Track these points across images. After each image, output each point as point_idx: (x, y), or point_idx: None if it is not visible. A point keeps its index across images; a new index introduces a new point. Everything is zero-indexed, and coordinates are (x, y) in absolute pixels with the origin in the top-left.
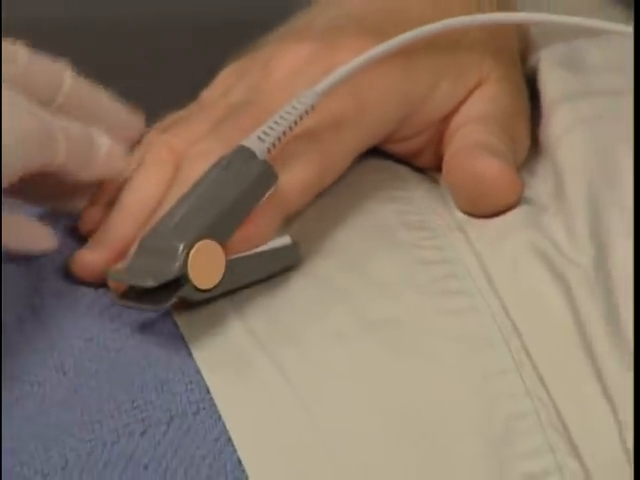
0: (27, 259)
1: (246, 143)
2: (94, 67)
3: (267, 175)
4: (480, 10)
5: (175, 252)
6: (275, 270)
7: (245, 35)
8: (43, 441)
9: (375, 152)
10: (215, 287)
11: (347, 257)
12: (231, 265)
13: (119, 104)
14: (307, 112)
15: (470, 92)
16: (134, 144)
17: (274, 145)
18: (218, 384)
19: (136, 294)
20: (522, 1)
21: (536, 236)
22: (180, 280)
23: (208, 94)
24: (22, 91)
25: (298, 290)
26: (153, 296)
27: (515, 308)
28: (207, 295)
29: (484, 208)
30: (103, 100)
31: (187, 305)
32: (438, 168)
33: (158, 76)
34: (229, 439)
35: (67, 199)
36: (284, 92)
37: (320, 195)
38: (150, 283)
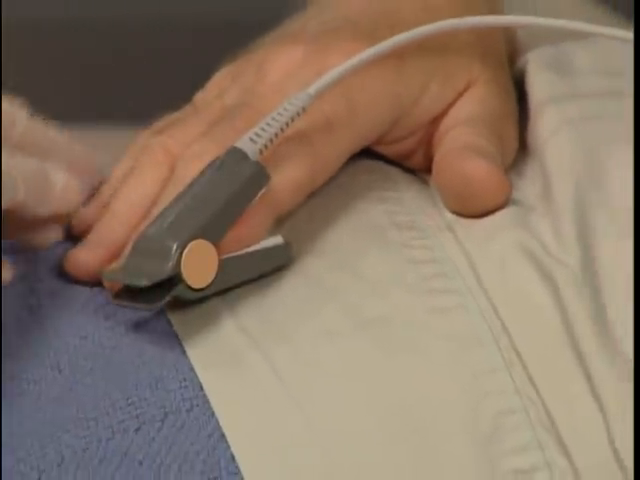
0: (25, 260)
1: (238, 144)
2: (94, 67)
3: (259, 176)
4: (469, 13)
5: (169, 252)
6: (267, 269)
7: (245, 35)
8: (39, 438)
9: (366, 153)
10: (208, 286)
11: (338, 256)
12: (224, 264)
13: (73, 141)
14: (299, 114)
15: (459, 94)
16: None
17: (266, 146)
18: (211, 381)
19: (131, 293)
20: (509, 4)
21: (524, 236)
22: (174, 279)
23: (202, 96)
24: None
25: (290, 289)
26: (147, 295)
27: (504, 307)
28: (200, 294)
29: (473, 209)
30: (57, 138)
31: (181, 304)
32: (428, 169)
33: (158, 76)
34: (222, 435)
35: (31, 233)
36: (278, 94)
37: (312, 195)
38: (144, 282)
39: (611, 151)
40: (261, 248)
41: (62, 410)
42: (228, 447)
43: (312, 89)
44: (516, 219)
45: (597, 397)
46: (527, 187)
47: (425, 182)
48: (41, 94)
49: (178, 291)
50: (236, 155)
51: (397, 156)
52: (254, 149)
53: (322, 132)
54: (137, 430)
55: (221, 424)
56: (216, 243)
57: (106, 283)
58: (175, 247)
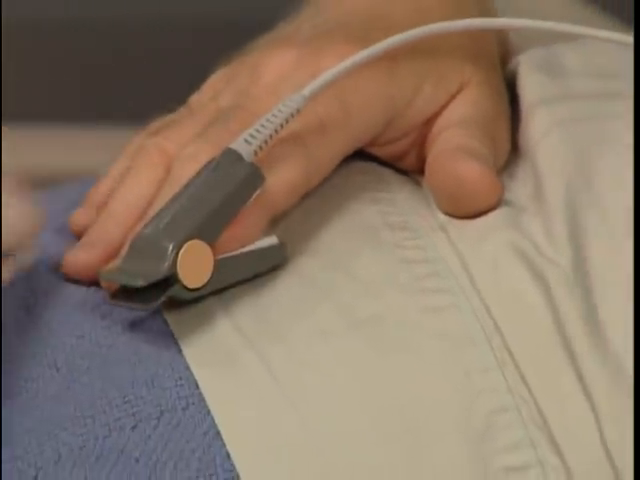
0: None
1: (234, 146)
2: (94, 67)
3: (254, 177)
4: (460, 15)
5: (165, 252)
6: (262, 269)
7: (245, 35)
8: (36, 435)
9: (360, 155)
10: (204, 286)
11: (332, 256)
12: (219, 265)
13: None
14: (293, 115)
15: (452, 96)
16: None
17: (261, 148)
18: (207, 380)
19: (127, 293)
20: (500, 4)
21: (516, 236)
22: (170, 279)
23: (197, 98)
24: None
25: (284, 289)
26: (144, 295)
27: (496, 307)
28: (196, 294)
29: (465, 210)
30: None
31: (177, 303)
32: (421, 171)
33: (158, 76)
34: (218, 433)
35: None
36: (272, 96)
37: (306, 196)
38: (140, 283)
39: (601, 152)
40: (256, 248)
41: (59, 408)
42: (223, 445)
43: (306, 91)
44: (508, 220)
45: (589, 396)
46: (518, 188)
47: (418, 183)
48: (41, 94)
49: (174, 291)
50: (231, 156)
51: (390, 157)
52: (249, 150)
53: (316, 134)
54: (133, 428)
55: (216, 422)
56: (212, 243)
57: (103, 283)
58: (171, 247)
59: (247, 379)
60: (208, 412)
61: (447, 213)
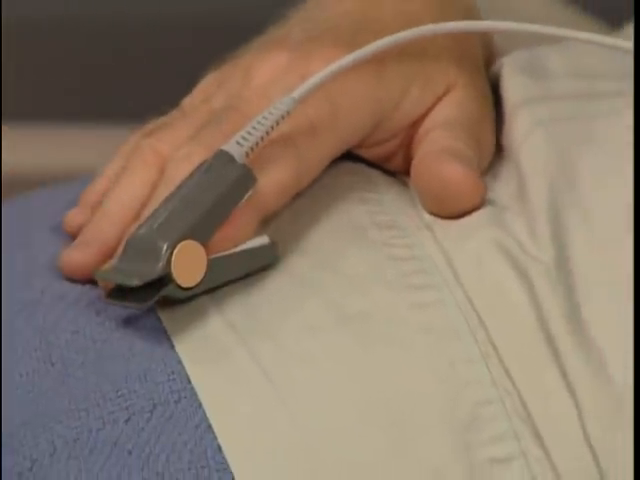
0: (23, 257)
1: (226, 147)
2: (94, 67)
3: (246, 178)
4: (445, 18)
5: (159, 252)
6: (254, 268)
7: (245, 35)
8: (32, 428)
9: (348, 156)
10: (197, 285)
11: (321, 255)
12: (212, 264)
13: None
14: (284, 117)
15: (439, 98)
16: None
17: (252, 149)
18: (199, 374)
19: (122, 292)
20: (482, 5)
21: (500, 234)
22: (164, 279)
23: (190, 101)
24: None
25: (275, 287)
26: (138, 294)
27: (480, 302)
28: (190, 293)
29: (449, 210)
30: None
31: (170, 301)
32: (408, 172)
33: (158, 76)
34: (209, 426)
35: None
36: (263, 99)
37: (296, 196)
38: (135, 282)
39: (584, 152)
40: (248, 248)
41: (54, 402)
42: (215, 438)
43: (296, 94)
44: (492, 218)
45: (572, 393)
46: (501, 187)
47: (405, 184)
48: (41, 94)
49: (168, 290)
50: (223, 158)
51: (378, 159)
52: (241, 152)
53: (306, 135)
54: (127, 421)
55: (208, 415)
56: (205, 243)
57: (99, 282)
58: (165, 248)
59: (238, 374)
60: (200, 406)
61: (432, 213)
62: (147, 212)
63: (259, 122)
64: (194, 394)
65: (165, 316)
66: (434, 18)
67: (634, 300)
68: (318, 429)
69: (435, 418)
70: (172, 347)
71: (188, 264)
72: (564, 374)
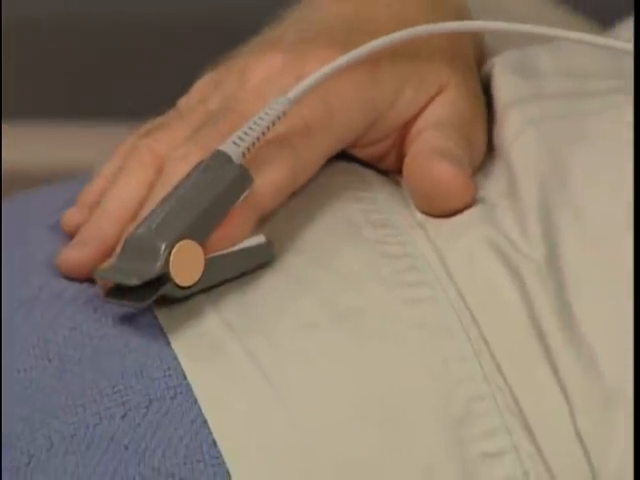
0: (22, 255)
1: (222, 148)
2: (94, 67)
3: (243, 178)
4: (437, 18)
5: (157, 252)
6: (251, 267)
7: (245, 35)
8: (29, 424)
9: (343, 156)
10: (195, 284)
11: (316, 253)
12: (210, 263)
13: None
14: (279, 118)
15: (431, 98)
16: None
17: (249, 149)
18: (194, 370)
19: (121, 291)
20: (473, 5)
21: (491, 232)
22: (162, 278)
23: (186, 101)
24: None
25: (270, 285)
26: (137, 293)
27: (473, 300)
28: (187, 292)
29: (440, 209)
30: None
31: (167, 300)
32: (401, 171)
33: (158, 75)
34: (205, 421)
35: None
36: (259, 99)
37: (292, 195)
38: (134, 281)
39: (573, 150)
40: (245, 247)
41: (52, 397)
42: (210, 433)
43: (292, 94)
44: (483, 216)
45: (563, 389)
46: (492, 185)
47: (398, 183)
48: (41, 92)
49: (166, 289)
50: (220, 158)
51: (372, 158)
52: (237, 152)
53: (302, 135)
54: (123, 416)
55: (203, 411)
56: (202, 243)
57: (98, 281)
58: (163, 247)
59: (233, 370)
60: (195, 401)
61: (423, 212)
62: (145, 212)
63: (255, 122)
64: (190, 390)
65: (161, 314)
66: (426, 19)
67: (634, 300)
68: (313, 424)
69: (429, 415)
70: (168, 344)
71: (186, 263)
72: (555, 370)
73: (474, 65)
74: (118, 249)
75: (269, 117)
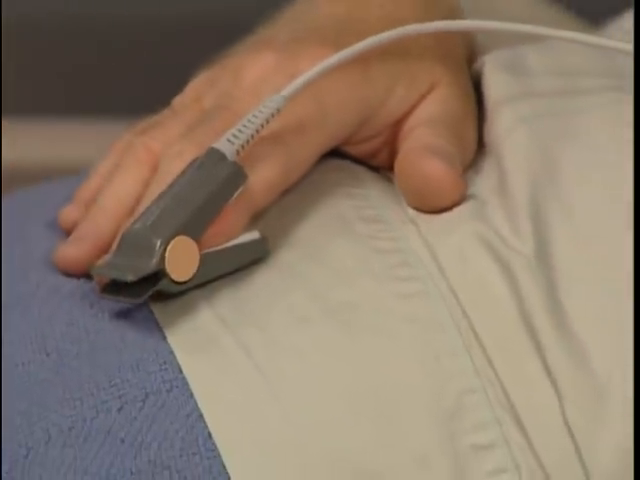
0: (20, 252)
1: (217, 145)
2: (94, 67)
3: (237, 175)
4: (429, 17)
5: (153, 248)
6: (245, 262)
7: (242, 35)
8: (27, 417)
9: (335, 153)
10: (190, 280)
11: (309, 249)
12: (205, 259)
13: None
14: (273, 115)
15: (423, 96)
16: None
17: (243, 147)
18: (190, 364)
19: (117, 287)
20: (465, 3)
21: (482, 228)
22: (158, 274)
23: (181, 100)
24: None
25: (264, 280)
26: (133, 288)
27: (464, 295)
28: (183, 287)
29: (430, 205)
30: None
31: (162, 295)
32: (392, 168)
33: (157, 73)
34: (200, 415)
35: None
36: (253, 97)
37: (285, 192)
38: (130, 278)
39: (565, 148)
40: (239, 243)
41: (49, 391)
42: (205, 426)
43: (285, 92)
44: (474, 212)
45: (554, 384)
46: (482, 182)
47: (390, 180)
48: (41, 90)
49: (162, 285)
50: (215, 155)
51: (364, 155)
52: (232, 150)
53: (295, 133)
54: (120, 410)
55: (199, 404)
56: (197, 239)
57: (95, 277)
58: (159, 243)
59: (228, 364)
60: (191, 395)
61: (415, 208)
62: (140, 209)
63: (250, 120)
64: (185, 384)
65: (157, 308)
66: (418, 18)
67: (634, 299)
68: (306, 418)
69: (421, 409)
70: (164, 338)
71: (181, 259)
72: (546, 366)
73: (465, 64)
74: (114, 245)
75: (263, 115)
